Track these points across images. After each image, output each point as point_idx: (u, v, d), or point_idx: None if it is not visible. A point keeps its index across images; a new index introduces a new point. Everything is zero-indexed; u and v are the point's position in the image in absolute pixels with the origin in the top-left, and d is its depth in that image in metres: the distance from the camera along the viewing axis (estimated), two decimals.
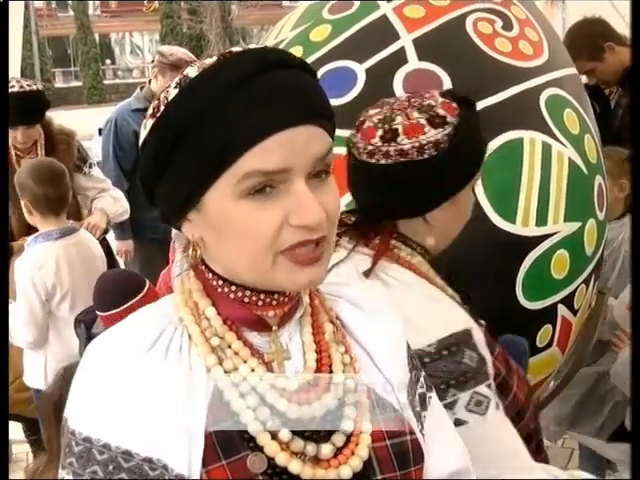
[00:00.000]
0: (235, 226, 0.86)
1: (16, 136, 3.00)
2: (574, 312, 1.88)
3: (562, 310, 1.83)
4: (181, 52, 4.07)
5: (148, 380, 0.87)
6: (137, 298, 1.92)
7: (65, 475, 0.87)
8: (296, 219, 0.85)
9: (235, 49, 0.90)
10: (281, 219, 0.85)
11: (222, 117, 0.85)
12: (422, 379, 1.08)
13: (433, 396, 1.09)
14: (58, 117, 3.47)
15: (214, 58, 0.89)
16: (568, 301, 1.84)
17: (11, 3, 3.26)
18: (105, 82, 30.64)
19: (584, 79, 3.54)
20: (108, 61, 33.30)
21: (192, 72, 0.88)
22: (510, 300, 1.73)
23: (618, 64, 3.39)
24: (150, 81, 4.06)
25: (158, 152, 0.89)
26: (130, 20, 31.47)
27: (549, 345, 1.84)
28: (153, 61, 4.10)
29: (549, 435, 2.97)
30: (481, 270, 1.71)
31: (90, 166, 3.39)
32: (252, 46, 0.91)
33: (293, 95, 0.86)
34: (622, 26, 3.82)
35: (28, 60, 20.01)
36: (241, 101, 0.84)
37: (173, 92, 0.88)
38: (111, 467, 0.85)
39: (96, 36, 31.40)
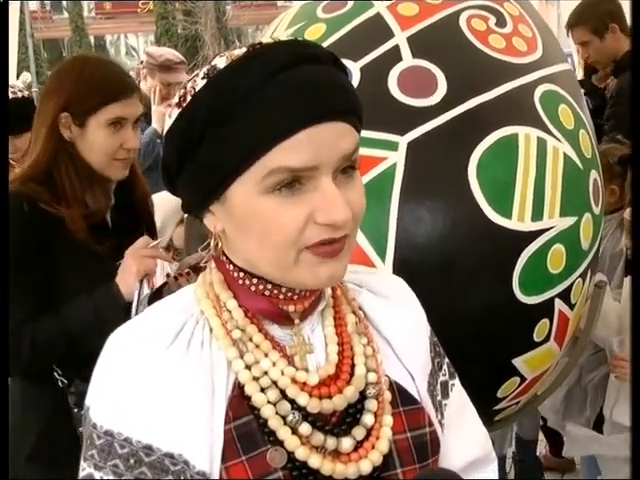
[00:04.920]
0: (259, 221, 0.85)
1: None
2: (571, 306, 1.89)
3: (559, 304, 1.84)
4: (169, 53, 4.07)
5: (170, 375, 0.87)
6: None
7: (87, 467, 0.87)
8: (322, 217, 0.84)
9: (265, 40, 0.88)
10: (306, 216, 0.84)
11: (251, 110, 0.83)
12: (445, 366, 1.08)
13: (456, 383, 1.09)
14: None
15: (243, 49, 0.87)
16: (565, 295, 1.85)
17: None
18: None
19: (580, 76, 3.58)
20: None
21: (220, 63, 0.87)
22: (507, 295, 1.74)
23: (614, 48, 3.46)
24: (139, 82, 4.08)
25: (184, 141, 0.87)
26: (125, 22, 31.41)
27: (546, 339, 1.85)
28: (142, 62, 4.11)
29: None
30: (478, 265, 1.72)
31: None
32: (283, 38, 0.89)
33: (323, 91, 0.85)
34: None
35: (23, 63, 19.98)
36: (271, 94, 0.83)
37: (201, 82, 0.87)
38: (132, 461, 0.85)
39: (91, 38, 31.36)
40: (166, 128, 0.91)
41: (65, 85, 1.85)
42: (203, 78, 0.87)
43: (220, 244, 0.92)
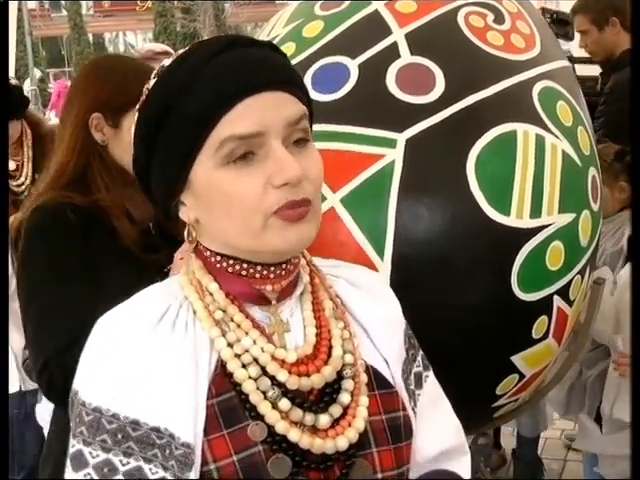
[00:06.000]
0: (220, 194, 0.91)
1: None
2: (570, 303, 1.89)
3: (558, 301, 1.84)
4: (155, 46, 4.26)
5: (155, 353, 0.91)
6: None
7: (76, 443, 0.91)
8: (277, 178, 0.90)
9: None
10: (263, 181, 0.91)
11: (194, 91, 0.90)
12: (419, 358, 1.12)
13: (430, 375, 1.13)
14: (52, 117, 3.46)
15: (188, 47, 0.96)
16: (564, 292, 1.85)
17: None
18: None
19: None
20: None
21: (167, 61, 0.95)
22: (505, 292, 1.74)
23: (612, 42, 3.47)
24: None
25: (144, 139, 0.95)
26: (123, 19, 31.43)
27: (545, 336, 1.85)
28: None
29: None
30: (476, 262, 1.72)
31: None
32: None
33: (260, 65, 0.93)
34: None
35: (22, 61, 19.98)
36: (210, 73, 0.90)
37: (152, 82, 0.95)
38: (120, 436, 0.89)
39: (90, 36, 31.38)
40: (132, 135, 0.99)
41: (95, 85, 1.76)
42: (154, 77, 0.96)
43: (194, 234, 0.98)
